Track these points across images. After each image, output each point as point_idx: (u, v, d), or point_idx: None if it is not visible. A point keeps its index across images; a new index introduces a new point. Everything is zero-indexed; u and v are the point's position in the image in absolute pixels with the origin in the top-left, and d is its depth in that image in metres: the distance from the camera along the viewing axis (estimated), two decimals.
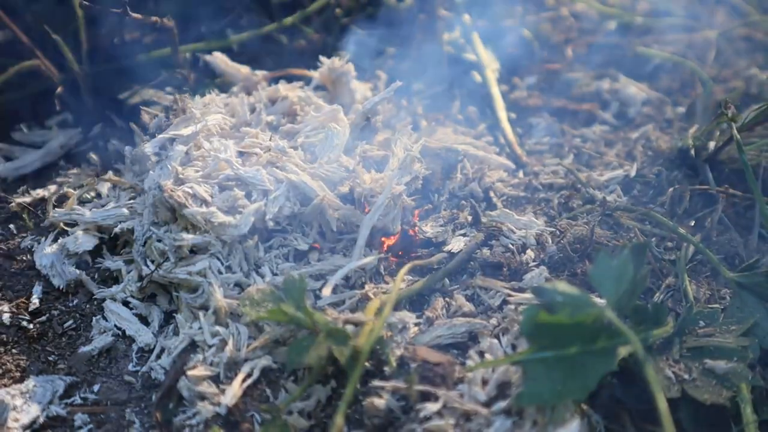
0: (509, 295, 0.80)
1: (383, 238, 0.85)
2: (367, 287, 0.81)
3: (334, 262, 0.82)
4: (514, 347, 0.75)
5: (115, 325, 0.80)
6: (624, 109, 1.14)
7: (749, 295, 0.78)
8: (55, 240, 0.87)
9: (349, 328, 0.74)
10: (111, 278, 0.85)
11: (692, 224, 0.91)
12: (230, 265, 0.80)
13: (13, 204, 0.91)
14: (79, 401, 0.74)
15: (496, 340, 0.75)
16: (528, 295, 0.79)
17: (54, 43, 1.02)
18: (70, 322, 0.81)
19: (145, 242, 0.81)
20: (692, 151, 0.98)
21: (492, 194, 0.94)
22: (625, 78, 1.19)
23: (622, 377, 0.70)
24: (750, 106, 0.96)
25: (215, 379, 0.73)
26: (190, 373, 0.73)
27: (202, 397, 0.72)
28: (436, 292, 0.81)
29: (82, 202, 0.90)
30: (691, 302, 0.79)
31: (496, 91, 1.12)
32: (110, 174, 0.94)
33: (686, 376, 0.70)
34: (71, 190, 0.92)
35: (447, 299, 0.80)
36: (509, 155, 1.02)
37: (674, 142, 1.02)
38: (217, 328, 0.76)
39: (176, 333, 0.78)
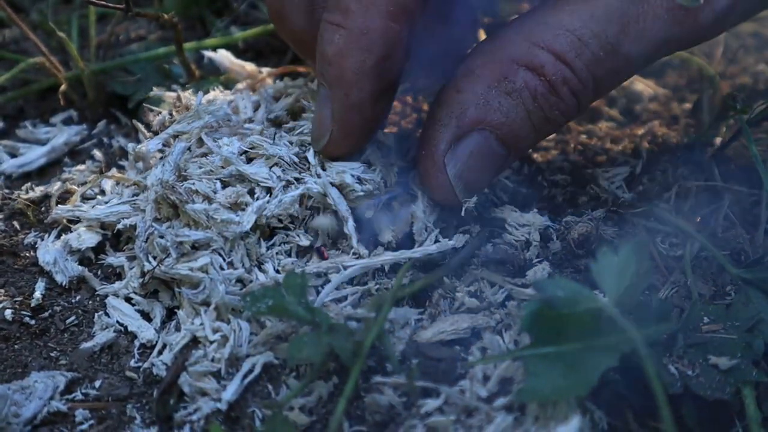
0: (512, 291, 0.79)
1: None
2: (369, 283, 0.80)
3: (336, 259, 0.82)
4: (516, 343, 0.74)
5: (117, 321, 0.80)
6: (630, 105, 1.14)
7: (755, 291, 0.78)
8: (58, 237, 0.87)
9: (351, 324, 0.74)
10: (114, 275, 0.85)
11: (698, 220, 0.91)
12: (232, 261, 0.80)
13: (17, 200, 0.91)
14: (80, 397, 0.74)
15: (498, 336, 0.75)
16: (531, 291, 0.78)
17: (59, 40, 1.02)
18: (73, 318, 0.81)
19: (147, 238, 0.81)
20: (698, 147, 0.98)
21: (496, 190, 0.94)
22: None
23: (625, 373, 0.70)
24: (757, 102, 0.96)
25: (216, 375, 0.73)
26: (191, 369, 0.73)
27: (203, 392, 0.72)
28: (438, 288, 0.81)
29: (85, 198, 0.90)
30: (695, 298, 0.79)
31: None
32: (114, 171, 0.94)
33: (689, 372, 0.69)
34: (74, 187, 0.92)
35: (450, 295, 0.80)
36: None
37: (680, 138, 1.01)
38: (219, 324, 0.76)
39: (178, 329, 0.78)
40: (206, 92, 0.96)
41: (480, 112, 0.80)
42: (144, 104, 0.97)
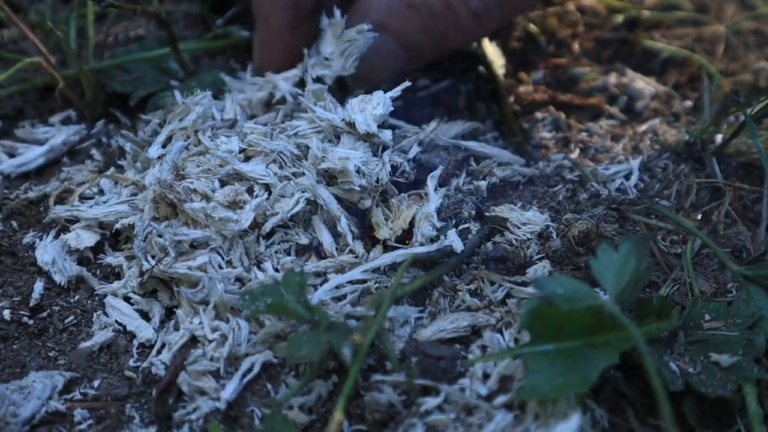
0: (512, 289, 0.79)
1: (371, 231, 0.85)
2: (368, 281, 0.80)
3: (337, 259, 0.82)
4: (516, 341, 0.74)
5: (116, 321, 0.80)
6: (631, 103, 1.14)
7: (756, 288, 0.78)
8: (56, 236, 0.86)
9: (350, 322, 0.74)
10: (112, 274, 0.85)
11: (699, 217, 0.91)
12: (231, 260, 0.80)
13: (15, 200, 0.91)
14: (78, 396, 0.74)
15: (498, 334, 0.75)
16: (531, 289, 0.78)
17: (58, 40, 1.02)
18: (71, 317, 0.80)
19: (145, 238, 0.80)
20: (699, 145, 0.97)
21: (497, 189, 0.94)
22: (632, 72, 1.18)
23: (625, 370, 0.70)
24: (757, 99, 0.95)
25: (215, 374, 0.73)
26: (190, 368, 0.73)
27: (202, 392, 0.72)
28: (438, 286, 0.80)
29: (83, 198, 0.90)
30: (696, 296, 0.79)
31: (502, 86, 1.12)
32: (112, 170, 0.93)
33: (691, 370, 0.69)
34: (73, 187, 0.92)
35: (450, 293, 0.80)
36: (515, 150, 1.02)
37: (681, 136, 1.01)
38: (218, 323, 0.75)
39: (177, 328, 0.78)
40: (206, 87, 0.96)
41: (381, 16, 0.90)
42: (143, 103, 0.97)
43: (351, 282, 0.79)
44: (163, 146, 0.89)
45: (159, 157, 0.87)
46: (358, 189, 0.82)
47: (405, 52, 0.92)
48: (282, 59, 0.96)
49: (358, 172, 0.82)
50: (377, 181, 0.84)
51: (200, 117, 0.88)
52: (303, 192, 0.83)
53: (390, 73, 0.94)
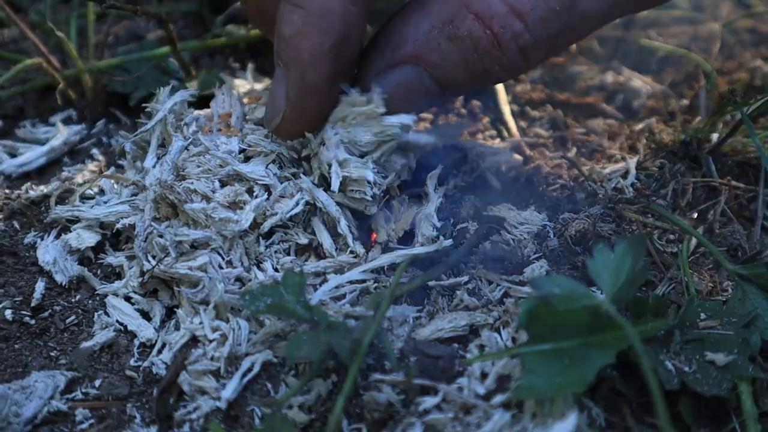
0: (510, 288, 0.80)
1: (373, 234, 0.85)
2: (367, 281, 0.80)
3: (336, 259, 0.82)
4: (514, 340, 0.74)
5: (117, 321, 0.80)
6: (628, 101, 1.14)
7: (751, 287, 0.78)
8: (57, 236, 0.87)
9: (350, 321, 0.74)
10: (113, 274, 0.85)
11: (695, 216, 0.91)
12: (231, 260, 0.80)
13: (16, 200, 0.91)
14: (80, 396, 0.74)
15: (496, 334, 0.75)
16: (529, 289, 0.79)
17: (58, 40, 1.02)
18: (72, 317, 0.81)
19: (146, 238, 0.81)
20: (695, 143, 0.98)
21: (494, 188, 0.94)
22: (629, 71, 1.18)
23: (622, 370, 0.70)
24: (754, 98, 0.96)
25: (216, 374, 0.73)
26: (191, 367, 0.73)
27: (203, 391, 0.72)
28: (437, 286, 0.81)
29: (84, 198, 0.90)
30: (692, 295, 0.79)
31: (499, 84, 1.12)
32: (113, 171, 0.94)
33: (686, 369, 0.69)
34: (74, 187, 0.92)
35: (448, 293, 0.80)
36: (512, 149, 1.02)
37: (677, 135, 1.01)
38: (218, 322, 0.76)
39: (177, 328, 0.78)
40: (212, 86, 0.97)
41: (417, 48, 0.80)
42: (143, 104, 0.98)
43: (350, 282, 0.80)
44: (158, 156, 0.89)
45: (158, 156, 0.88)
46: (370, 199, 0.83)
47: (439, 88, 0.81)
48: (311, 121, 0.83)
49: (370, 181, 0.82)
50: (385, 190, 0.84)
51: (169, 116, 0.88)
52: (303, 192, 0.83)
53: (419, 110, 0.85)
